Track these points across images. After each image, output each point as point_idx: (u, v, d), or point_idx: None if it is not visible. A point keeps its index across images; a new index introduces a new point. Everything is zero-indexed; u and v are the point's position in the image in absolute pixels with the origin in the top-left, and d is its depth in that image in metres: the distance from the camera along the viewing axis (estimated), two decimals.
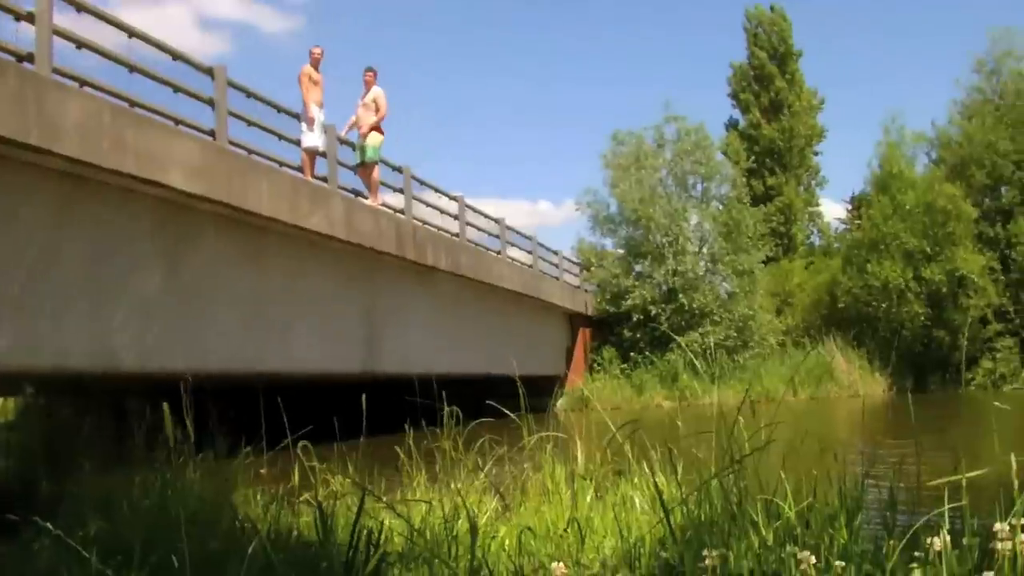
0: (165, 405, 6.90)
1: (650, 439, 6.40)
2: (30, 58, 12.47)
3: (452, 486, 6.78)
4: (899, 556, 4.08)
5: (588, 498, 6.30)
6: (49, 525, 5.15)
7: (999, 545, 3.87)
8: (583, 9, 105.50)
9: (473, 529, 5.03)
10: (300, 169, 19.48)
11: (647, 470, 6.11)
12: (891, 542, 4.17)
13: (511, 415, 7.35)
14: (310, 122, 19.69)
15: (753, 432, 5.36)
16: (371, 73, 21.12)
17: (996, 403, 5.63)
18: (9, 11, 12.46)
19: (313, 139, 19.73)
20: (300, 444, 7.60)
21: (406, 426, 7.80)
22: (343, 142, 21.20)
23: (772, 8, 54.93)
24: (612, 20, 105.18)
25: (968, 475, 4.30)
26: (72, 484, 10.07)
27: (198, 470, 7.95)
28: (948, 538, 3.97)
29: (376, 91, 21.08)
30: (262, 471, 7.97)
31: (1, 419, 24.72)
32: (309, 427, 7.81)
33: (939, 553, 3.95)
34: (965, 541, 4.01)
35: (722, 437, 5.30)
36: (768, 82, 53.59)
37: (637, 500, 6.26)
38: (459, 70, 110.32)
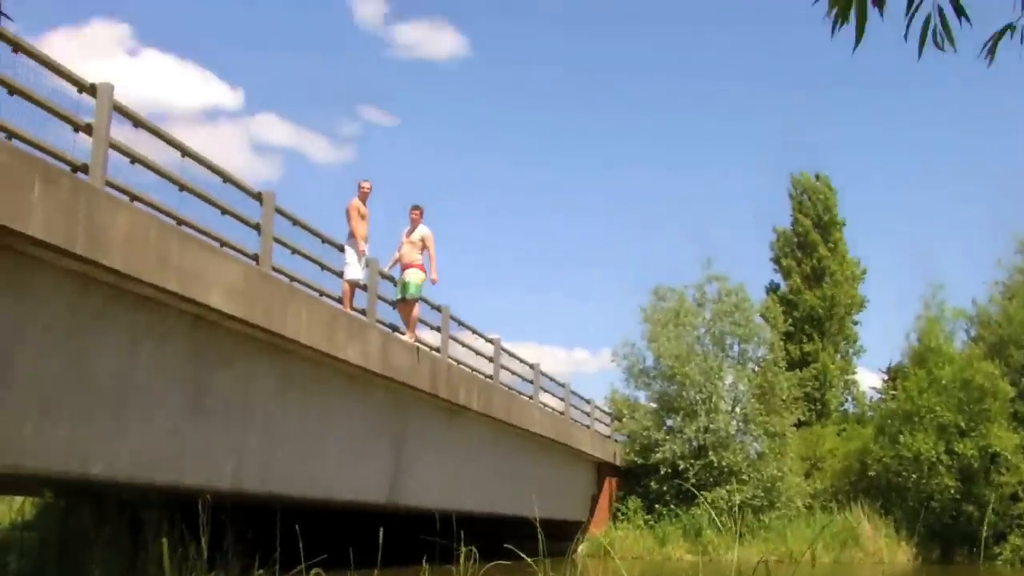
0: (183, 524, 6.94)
1: None
2: (84, 168, 12.71)
3: None
4: None
5: None
6: None
7: None
8: (628, 159, 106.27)
9: None
10: (340, 299, 19.62)
11: None
12: None
13: (528, 559, 7.34)
14: (359, 255, 19.89)
15: None
16: (418, 211, 21.30)
17: None
18: (68, 121, 12.72)
19: (357, 271, 19.91)
20: (313, 571, 7.60)
21: (423, 560, 7.80)
22: (384, 276, 21.36)
23: (817, 177, 55.17)
24: (657, 172, 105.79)
25: None
26: None
27: None
28: None
29: (424, 230, 21.21)
30: None
31: (19, 518, 24.71)
32: (324, 555, 7.81)
33: None
34: None
35: None
36: (811, 249, 53.59)
37: None
38: (504, 213, 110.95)
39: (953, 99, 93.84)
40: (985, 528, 36.17)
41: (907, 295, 71.69)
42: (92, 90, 12.98)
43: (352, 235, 20.04)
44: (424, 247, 21.17)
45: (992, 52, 4.37)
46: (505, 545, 7.99)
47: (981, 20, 4.33)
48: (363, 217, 20.30)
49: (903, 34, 4.29)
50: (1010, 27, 4.28)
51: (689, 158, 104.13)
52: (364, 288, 20.39)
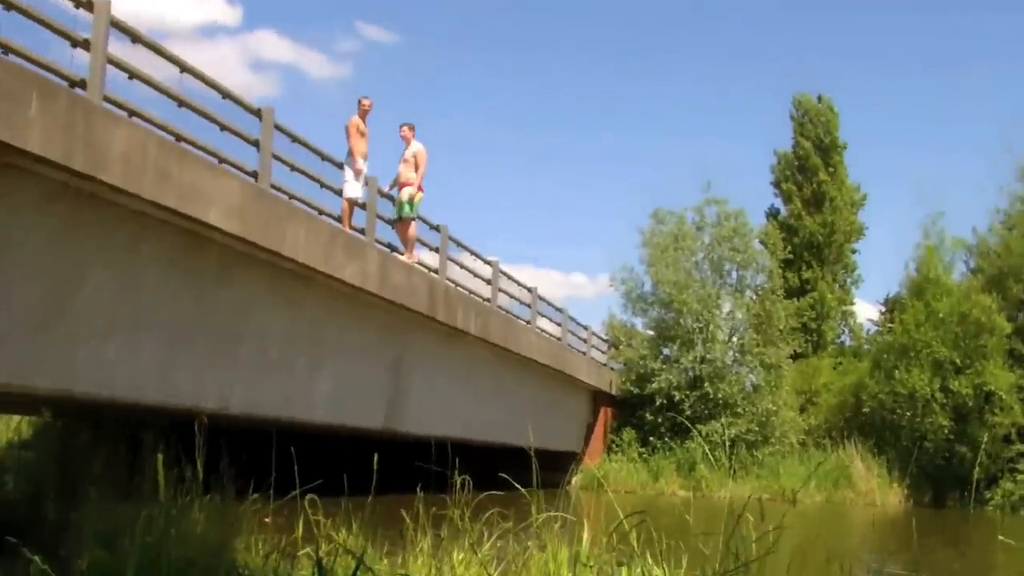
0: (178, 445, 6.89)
1: (659, 529, 6.35)
2: (82, 84, 12.59)
3: (453, 557, 6.75)
4: None
5: None
6: (38, 560, 5.13)
7: None
8: (628, 82, 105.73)
9: None
10: (339, 218, 19.53)
11: (650, 562, 6.05)
12: None
13: (521, 490, 7.30)
14: (357, 173, 19.77)
15: (761, 534, 5.31)
16: (408, 128, 21.19)
17: (1001, 536, 5.54)
18: (65, 36, 12.58)
19: (356, 189, 19.80)
20: (308, 496, 7.57)
21: (417, 488, 7.77)
22: (384, 195, 21.26)
23: (820, 98, 54.65)
24: (655, 99, 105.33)
25: None
26: (79, 511, 10.07)
27: (204, 511, 7.93)
28: None
29: (416, 146, 21.14)
30: (267, 519, 7.95)
31: (15, 437, 24.76)
32: (319, 480, 7.78)
33: None
34: None
35: (730, 537, 5.25)
36: (812, 174, 53.20)
37: None
38: (504, 138, 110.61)
39: (960, 24, 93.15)
40: (977, 471, 36.15)
41: (907, 225, 71.13)
42: (89, 5, 12.82)
43: (351, 153, 19.91)
44: (417, 164, 21.07)
45: None
46: (500, 473, 7.95)
47: None
48: (362, 135, 20.15)
49: None
50: None
51: (691, 78, 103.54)
52: (363, 207, 20.28)
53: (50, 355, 12.21)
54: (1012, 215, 43.47)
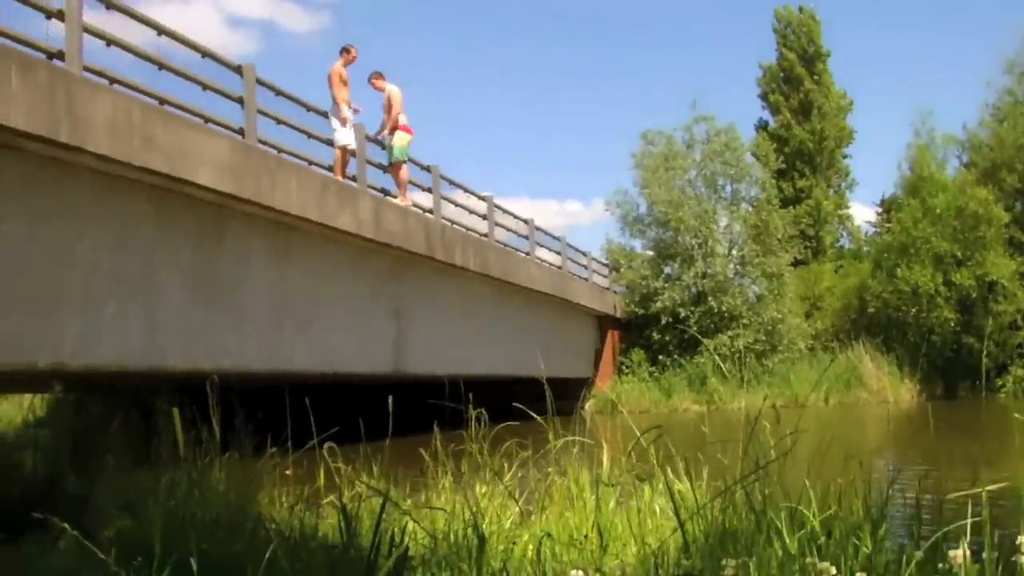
0: (192, 406, 6.91)
1: (676, 444, 6.38)
2: (60, 55, 12.53)
3: (476, 490, 6.78)
4: (921, 568, 4.06)
5: (612, 504, 6.27)
6: (68, 527, 5.16)
7: (1022, 559, 3.84)
8: (610, 11, 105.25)
9: (480, 540, 4.99)
10: (331, 168, 19.48)
11: (671, 476, 6.07)
12: (912, 552, 4.14)
13: (537, 418, 7.32)
14: (343, 121, 19.71)
15: (778, 440, 5.34)
16: (376, 77, 21.12)
17: (1016, 415, 5.55)
18: (39, 9, 12.51)
19: (346, 136, 19.74)
20: (326, 445, 7.60)
21: (433, 427, 7.80)
22: (371, 140, 21.20)
23: (801, 9, 54.62)
24: (639, 21, 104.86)
25: (988, 488, 4.26)
26: (98, 483, 10.11)
27: (224, 470, 7.96)
28: (968, 552, 3.93)
29: (389, 88, 21.09)
30: (287, 472, 7.97)
31: (30, 416, 24.80)
32: (335, 428, 7.81)
33: (961, 565, 3.91)
34: (985, 555, 3.97)
35: (747, 443, 5.27)
36: (797, 83, 53.33)
37: (658, 507, 6.23)
38: (487, 71, 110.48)
39: None
40: (985, 360, 36.32)
41: (897, 125, 71.04)
42: None
43: (335, 102, 19.83)
44: (391, 105, 21.03)
45: None
46: (514, 404, 7.97)
47: None
48: (345, 83, 20.07)
49: None
50: None
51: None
52: (353, 154, 20.22)
53: (47, 329, 12.22)
54: (1002, 108, 43.46)
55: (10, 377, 15.39)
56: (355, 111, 20.03)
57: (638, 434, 6.05)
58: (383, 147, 21.32)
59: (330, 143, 19.72)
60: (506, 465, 7.36)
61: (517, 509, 6.57)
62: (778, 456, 5.12)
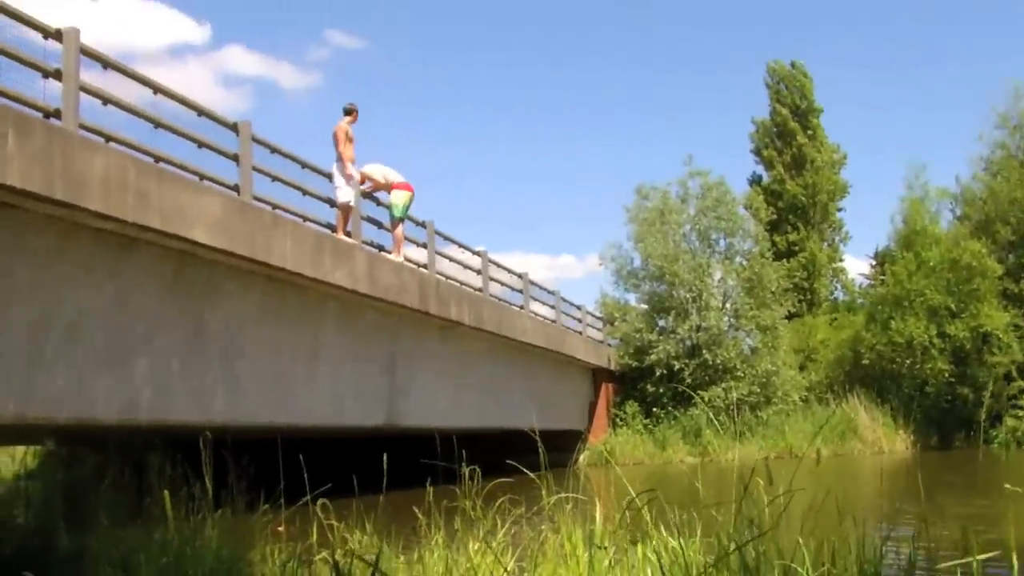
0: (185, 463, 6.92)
1: (671, 499, 6.38)
2: (57, 114, 12.59)
3: (469, 547, 6.77)
4: None
5: (606, 562, 6.26)
6: None
7: None
8: (605, 65, 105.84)
9: None
10: (329, 225, 19.57)
11: (664, 534, 6.07)
12: None
13: (530, 474, 7.32)
14: (347, 178, 19.83)
15: (772, 499, 5.34)
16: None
17: (1007, 485, 5.58)
18: (37, 68, 12.57)
19: (349, 195, 19.84)
20: (319, 501, 7.59)
21: (427, 481, 7.79)
22: (367, 197, 21.28)
23: (793, 64, 55.25)
24: (633, 76, 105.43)
25: (980, 557, 4.28)
26: (91, 539, 10.08)
27: (216, 526, 7.95)
28: None
29: (377, 170, 21.52)
30: (280, 528, 7.96)
31: (21, 469, 24.74)
32: (328, 485, 7.80)
33: None
34: None
35: (742, 503, 5.27)
36: (791, 138, 53.80)
37: (650, 570, 6.22)
38: (481, 126, 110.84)
39: None
40: (981, 411, 36.39)
41: (890, 179, 71.44)
42: (58, 35, 12.83)
43: (340, 159, 19.94)
44: (384, 180, 21.31)
45: None
46: (507, 460, 7.97)
47: None
48: (350, 140, 20.18)
49: None
50: None
51: (666, 53, 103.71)
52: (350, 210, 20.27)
53: (44, 383, 12.21)
54: (995, 161, 43.86)
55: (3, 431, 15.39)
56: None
57: (631, 492, 6.06)
58: (378, 203, 21.45)
59: (330, 202, 19.82)
60: (499, 521, 7.36)
61: (510, 567, 6.56)
62: (771, 527, 5.13)
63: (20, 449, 26.55)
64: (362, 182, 21.04)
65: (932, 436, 38.72)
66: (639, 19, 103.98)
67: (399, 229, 21.36)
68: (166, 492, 6.01)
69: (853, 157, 55.68)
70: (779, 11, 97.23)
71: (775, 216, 47.80)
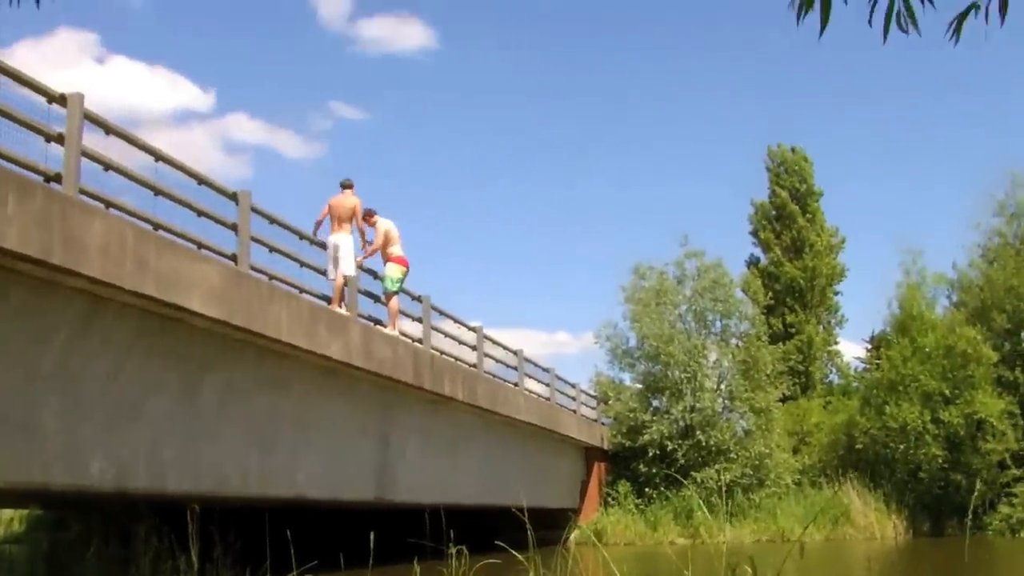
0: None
1: None
2: (58, 178, 12.65)
3: None
4: None
5: None
6: None
7: None
8: (598, 141, 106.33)
9: None
10: (326, 299, 19.64)
11: None
12: None
13: (518, 555, 7.31)
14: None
15: None
16: (371, 215, 21.35)
17: None
18: (40, 132, 12.65)
19: (350, 268, 19.94)
20: None
21: (414, 560, 7.77)
22: (364, 270, 21.36)
23: (793, 149, 55.58)
24: (628, 154, 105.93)
25: None
26: None
27: None
28: None
29: (384, 224, 21.45)
30: None
31: (7, 532, 24.62)
32: (315, 561, 7.78)
33: None
34: None
35: None
36: (790, 221, 54.00)
37: None
38: (476, 204, 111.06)
39: (925, 65, 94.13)
40: (974, 498, 36.23)
41: (887, 263, 71.52)
42: (62, 100, 12.93)
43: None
44: (388, 240, 21.32)
45: (958, 32, 4.35)
46: (496, 541, 7.96)
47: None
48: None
49: (867, 19, 4.29)
50: (975, 6, 4.27)
51: (663, 131, 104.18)
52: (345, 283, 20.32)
53: (34, 449, 12.18)
54: (992, 248, 43.98)
55: None
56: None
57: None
58: (375, 276, 21.54)
59: (323, 273, 19.89)
60: None
61: None
62: None
63: (7, 512, 26.44)
64: (389, 242, 21.29)
65: (925, 522, 38.57)
66: (637, 94, 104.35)
67: (394, 301, 21.43)
68: (148, 567, 6.00)
69: (848, 236, 55.76)
70: (780, 91, 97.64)
71: (773, 301, 47.87)
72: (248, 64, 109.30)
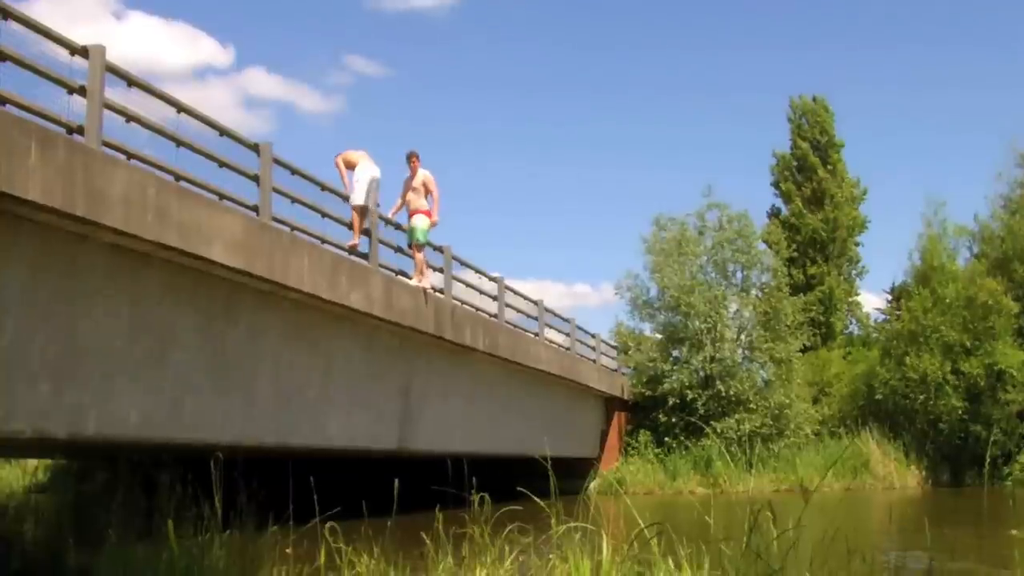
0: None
1: (680, 529, 6.37)
2: (80, 130, 12.64)
3: (476, 574, 6.76)
4: None
5: None
6: None
7: None
8: (625, 93, 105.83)
9: None
10: (349, 225, 19.63)
11: (672, 567, 6.06)
12: None
13: (540, 502, 7.32)
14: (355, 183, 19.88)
15: (781, 532, 5.33)
16: (415, 157, 21.22)
17: (1014, 531, 5.57)
18: (62, 84, 12.63)
19: (360, 197, 19.76)
20: (328, 524, 7.59)
21: (436, 507, 7.78)
22: (387, 221, 21.32)
23: (815, 99, 55.27)
24: (654, 105, 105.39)
25: None
26: (99, 556, 10.08)
27: (224, 547, 7.94)
28: None
29: (425, 174, 21.20)
30: (288, 551, 7.95)
31: (32, 482, 24.70)
32: (338, 508, 7.80)
33: None
34: None
35: (750, 538, 5.26)
36: (811, 172, 53.79)
37: None
38: (499, 154, 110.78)
39: (951, 13, 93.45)
40: (992, 448, 36.21)
41: (909, 212, 71.19)
42: (84, 52, 12.86)
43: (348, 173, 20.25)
44: (428, 191, 21.18)
45: None
46: (518, 487, 7.96)
47: None
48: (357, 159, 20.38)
49: None
50: None
51: (686, 87, 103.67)
52: (367, 233, 20.19)
53: (63, 399, 12.21)
54: (1014, 200, 43.73)
55: (14, 444, 15.38)
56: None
57: (640, 522, 6.06)
58: (398, 227, 21.49)
59: (348, 226, 19.77)
60: (507, 549, 7.35)
61: None
62: (782, 556, 5.11)
63: (32, 462, 26.55)
64: (427, 192, 21.31)
65: (944, 472, 38.65)
66: (660, 47, 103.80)
67: (421, 254, 21.39)
68: (171, 515, 6.03)
69: (872, 187, 55.43)
70: (802, 39, 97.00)
71: (795, 252, 47.64)
72: (266, 19, 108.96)
